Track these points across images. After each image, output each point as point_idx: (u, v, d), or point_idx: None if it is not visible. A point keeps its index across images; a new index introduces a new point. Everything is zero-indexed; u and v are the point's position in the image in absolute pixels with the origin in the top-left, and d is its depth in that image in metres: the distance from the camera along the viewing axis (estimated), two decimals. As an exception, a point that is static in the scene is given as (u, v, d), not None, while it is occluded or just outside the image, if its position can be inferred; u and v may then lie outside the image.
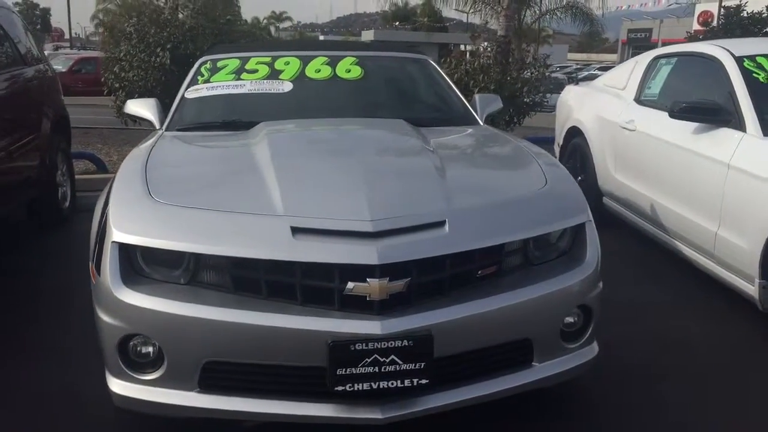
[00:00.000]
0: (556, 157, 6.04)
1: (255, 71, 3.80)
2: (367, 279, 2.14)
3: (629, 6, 44.32)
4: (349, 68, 3.89)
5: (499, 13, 9.59)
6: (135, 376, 2.30)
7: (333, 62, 3.91)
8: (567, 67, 36.88)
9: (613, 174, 4.87)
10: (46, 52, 7.16)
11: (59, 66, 18.23)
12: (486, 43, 9.49)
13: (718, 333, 3.53)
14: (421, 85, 4.17)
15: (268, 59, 3.90)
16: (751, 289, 3.37)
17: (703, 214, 3.74)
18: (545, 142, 7.51)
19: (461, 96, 3.96)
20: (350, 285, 2.15)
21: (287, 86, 3.71)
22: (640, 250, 4.70)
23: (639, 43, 42.63)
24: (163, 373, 2.26)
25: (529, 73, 8.39)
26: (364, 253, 2.15)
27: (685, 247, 4.00)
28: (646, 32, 46.02)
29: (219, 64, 3.93)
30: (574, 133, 5.55)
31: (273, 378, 2.24)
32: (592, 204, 5.06)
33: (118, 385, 2.33)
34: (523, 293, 2.36)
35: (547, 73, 8.85)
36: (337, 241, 2.19)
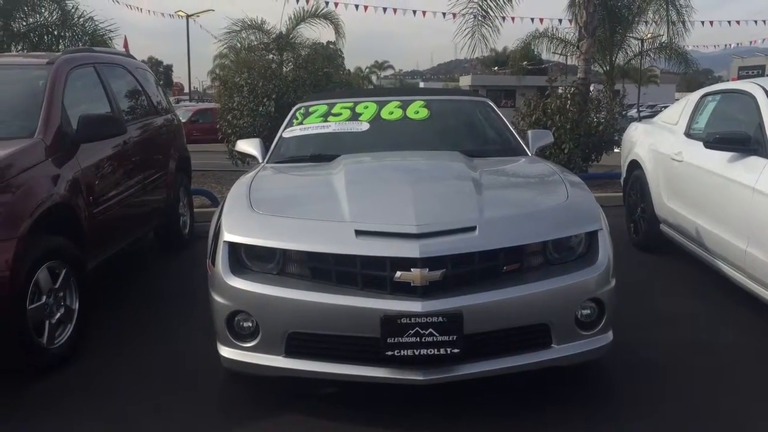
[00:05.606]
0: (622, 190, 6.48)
1: (339, 114, 4.58)
2: (411, 269, 2.79)
3: (738, 44, 42.95)
4: (417, 110, 4.59)
5: (578, 57, 10.09)
6: (238, 344, 3.03)
7: (404, 105, 4.63)
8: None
9: (666, 202, 5.27)
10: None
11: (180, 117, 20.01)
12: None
13: (743, 338, 3.91)
14: (479, 123, 4.81)
15: (350, 104, 4.68)
16: (773, 299, 3.74)
17: (735, 233, 4.13)
18: (617, 177, 7.90)
19: (514, 131, 4.57)
20: (398, 273, 2.79)
21: (364, 126, 4.46)
22: (691, 270, 5.08)
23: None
24: (259, 341, 2.98)
25: (605, 113, 8.81)
26: (409, 249, 2.81)
27: (723, 264, 4.38)
28: (758, 69, 44.38)
29: (311, 109, 4.74)
30: (635, 166, 5.97)
31: (339, 346, 2.91)
32: (651, 231, 5.50)
33: (225, 351, 3.09)
34: (540, 285, 2.92)
35: (624, 113, 9.22)
36: (389, 240, 2.86)
